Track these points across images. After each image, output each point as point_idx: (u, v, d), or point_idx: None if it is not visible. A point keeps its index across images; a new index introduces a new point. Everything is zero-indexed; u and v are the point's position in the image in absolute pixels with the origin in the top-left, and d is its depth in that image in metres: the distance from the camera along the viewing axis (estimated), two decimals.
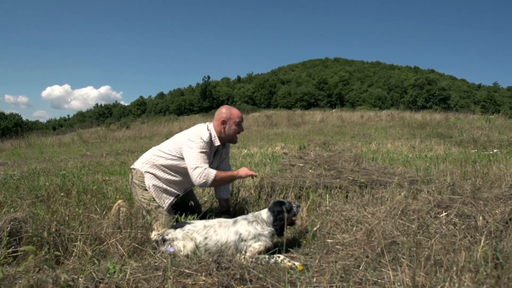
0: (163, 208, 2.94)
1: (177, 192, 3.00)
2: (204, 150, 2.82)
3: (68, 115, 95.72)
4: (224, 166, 3.23)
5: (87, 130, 24.21)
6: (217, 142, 2.96)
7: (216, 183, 2.84)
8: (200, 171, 2.74)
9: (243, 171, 2.91)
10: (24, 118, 44.86)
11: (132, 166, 3.10)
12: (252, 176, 2.92)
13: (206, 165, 2.79)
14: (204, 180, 2.75)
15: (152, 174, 2.94)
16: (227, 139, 3.05)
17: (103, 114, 76.13)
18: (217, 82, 79.98)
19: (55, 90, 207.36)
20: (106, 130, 23.14)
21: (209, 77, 69.04)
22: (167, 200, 2.96)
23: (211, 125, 3.01)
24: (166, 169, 2.92)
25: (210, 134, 2.93)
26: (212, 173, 2.76)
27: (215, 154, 3.07)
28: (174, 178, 2.94)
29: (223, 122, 2.96)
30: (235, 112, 3.02)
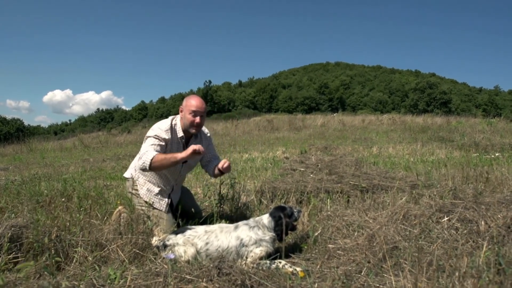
0: (161, 210, 2.94)
1: (166, 189, 3.00)
2: (156, 141, 2.76)
3: (69, 120, 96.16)
4: (210, 157, 3.15)
5: (89, 135, 24.26)
6: (180, 133, 2.93)
7: (157, 165, 2.65)
8: (140, 155, 2.70)
9: (185, 152, 2.62)
10: (25, 123, 45.00)
11: (125, 175, 3.16)
12: (195, 151, 2.59)
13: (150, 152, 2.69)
14: (142, 162, 2.65)
15: (143, 178, 2.98)
16: (187, 128, 2.91)
17: (105, 119, 76.38)
18: (218, 86, 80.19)
19: (56, 95, 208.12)
20: (107, 135, 23.17)
21: (210, 82, 69.40)
22: (162, 202, 2.97)
23: (178, 117, 2.99)
24: None
25: (172, 124, 2.91)
26: (150, 155, 2.63)
27: (186, 145, 2.96)
28: (157, 174, 2.94)
29: (181, 111, 2.94)
30: (193, 99, 2.90)
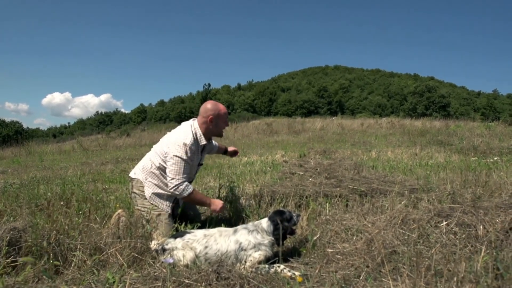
0: (166, 212, 2.94)
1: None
2: (185, 158, 2.79)
3: (68, 123, 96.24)
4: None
5: (88, 137, 24.27)
6: (203, 141, 2.96)
7: (188, 199, 2.88)
8: (177, 183, 2.77)
9: (216, 205, 2.88)
10: (24, 125, 45.00)
11: (130, 175, 3.10)
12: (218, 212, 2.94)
13: (184, 178, 2.80)
14: (178, 193, 2.80)
15: (150, 181, 2.95)
16: (215, 135, 3.07)
17: (104, 122, 76.48)
18: (218, 89, 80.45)
19: (55, 98, 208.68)
20: (106, 137, 23.16)
21: (209, 85, 69.80)
22: (167, 203, 2.97)
23: (196, 124, 2.98)
24: (162, 172, 2.92)
25: (195, 134, 2.92)
26: (188, 190, 2.80)
27: (203, 151, 3.10)
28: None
29: (212, 120, 2.94)
30: (222, 108, 3.01)
